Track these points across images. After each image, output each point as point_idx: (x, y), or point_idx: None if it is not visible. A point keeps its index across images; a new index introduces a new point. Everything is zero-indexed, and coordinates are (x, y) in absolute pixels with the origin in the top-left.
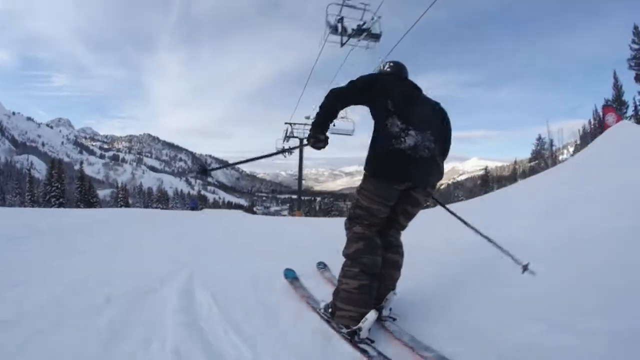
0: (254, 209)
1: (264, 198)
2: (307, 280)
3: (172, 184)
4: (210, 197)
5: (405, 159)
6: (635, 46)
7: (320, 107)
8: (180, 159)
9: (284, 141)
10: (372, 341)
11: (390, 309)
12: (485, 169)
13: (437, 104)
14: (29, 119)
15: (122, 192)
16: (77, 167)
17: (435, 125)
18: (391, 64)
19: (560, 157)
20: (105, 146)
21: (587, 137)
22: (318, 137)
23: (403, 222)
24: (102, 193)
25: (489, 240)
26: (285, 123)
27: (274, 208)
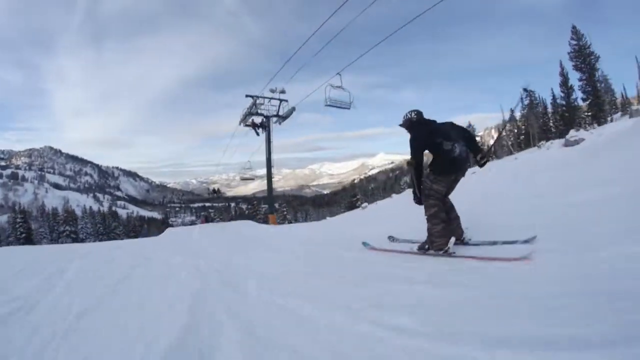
0: (169, 221)
1: (177, 209)
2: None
3: (79, 201)
4: (122, 212)
5: (458, 160)
6: (574, 42)
7: (413, 177)
8: (86, 173)
9: (244, 119)
10: (454, 253)
11: (464, 238)
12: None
13: (447, 122)
14: None
15: (21, 215)
16: None
17: (458, 136)
18: (415, 112)
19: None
20: (3, 163)
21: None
22: (418, 196)
23: (450, 192)
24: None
25: None
26: (247, 96)
27: (188, 218)
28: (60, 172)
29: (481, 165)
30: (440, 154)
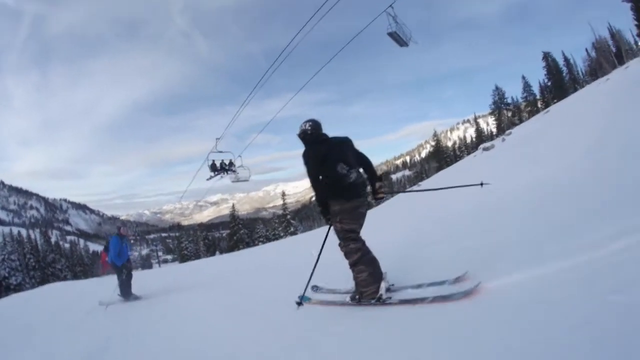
0: None
1: (132, 241)
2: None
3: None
4: (67, 246)
5: (353, 187)
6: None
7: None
8: (32, 207)
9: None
10: (390, 298)
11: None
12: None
13: (345, 140)
14: None
15: None
16: None
17: (356, 162)
18: (310, 124)
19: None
20: None
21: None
22: (326, 218)
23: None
24: None
25: (447, 187)
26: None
27: (145, 251)
28: (3, 206)
29: (377, 199)
30: (333, 181)
